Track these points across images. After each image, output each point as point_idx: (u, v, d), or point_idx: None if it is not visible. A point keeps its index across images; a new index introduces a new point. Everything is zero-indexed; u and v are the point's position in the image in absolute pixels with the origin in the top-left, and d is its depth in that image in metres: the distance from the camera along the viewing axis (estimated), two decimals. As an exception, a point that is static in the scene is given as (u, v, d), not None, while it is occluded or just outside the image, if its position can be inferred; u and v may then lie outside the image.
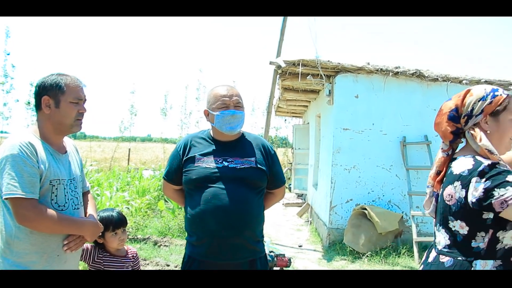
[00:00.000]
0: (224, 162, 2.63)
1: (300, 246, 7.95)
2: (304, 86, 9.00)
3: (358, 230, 7.12)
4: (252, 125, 25.42)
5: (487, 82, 7.54)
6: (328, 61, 7.43)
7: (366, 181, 7.64)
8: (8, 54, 13.67)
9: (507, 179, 1.84)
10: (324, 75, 7.59)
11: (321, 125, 9.73)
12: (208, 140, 2.75)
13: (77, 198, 2.43)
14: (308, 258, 7.10)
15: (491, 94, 2.04)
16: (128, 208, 8.34)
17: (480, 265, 1.95)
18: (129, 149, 16.76)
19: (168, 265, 6.02)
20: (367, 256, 6.86)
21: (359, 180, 7.62)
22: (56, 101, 2.31)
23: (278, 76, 8.21)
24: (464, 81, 7.51)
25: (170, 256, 6.52)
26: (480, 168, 1.91)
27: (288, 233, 9.21)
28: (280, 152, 23.77)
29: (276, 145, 24.49)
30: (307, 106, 12.36)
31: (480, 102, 2.04)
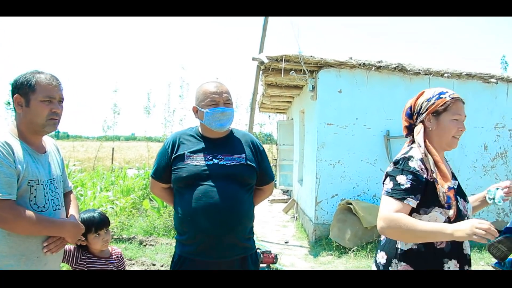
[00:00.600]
0: (214, 159, 2.61)
1: (286, 242, 7.94)
2: (287, 82, 8.98)
3: (344, 225, 7.13)
4: (236, 122, 25.38)
5: (468, 75, 7.62)
6: (311, 56, 7.41)
7: (351, 176, 7.64)
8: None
9: (397, 176, 2.20)
10: (307, 70, 7.57)
11: (305, 120, 9.73)
12: (197, 137, 2.72)
13: (57, 198, 2.36)
14: (294, 254, 7.09)
15: (436, 96, 2.31)
16: (112, 208, 8.24)
17: (404, 243, 2.19)
18: (113, 148, 16.58)
19: (154, 265, 5.97)
20: (353, 250, 6.87)
21: (344, 175, 7.63)
22: (27, 100, 2.24)
23: (261, 72, 8.17)
24: (446, 74, 7.56)
25: (156, 255, 6.46)
26: (397, 158, 2.27)
27: (274, 230, 9.19)
28: (265, 149, 23.72)
29: (261, 141, 24.46)
30: (290, 102, 12.36)
31: (426, 102, 2.32)
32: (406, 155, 2.25)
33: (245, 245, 2.66)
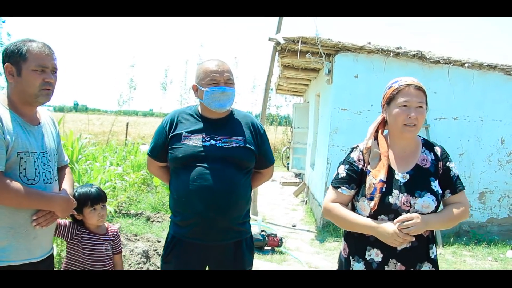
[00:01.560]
0: (211, 140, 2.55)
1: (294, 226, 7.92)
2: (303, 64, 8.86)
3: (352, 212, 7.06)
4: (253, 103, 25.28)
5: (490, 66, 7.39)
6: (328, 39, 7.26)
7: (363, 163, 7.50)
8: (4, 22, 13.35)
9: (340, 165, 2.41)
10: (324, 53, 7.42)
11: (320, 104, 9.61)
12: (195, 117, 2.65)
13: (49, 172, 2.32)
14: (301, 239, 7.07)
15: (389, 85, 2.32)
16: (122, 183, 8.28)
17: None
18: (127, 123, 16.56)
19: (159, 241, 5.98)
20: (360, 238, 6.81)
21: (355, 161, 7.50)
22: (18, 69, 2.18)
23: (277, 53, 8.07)
24: (466, 64, 7.35)
25: (162, 232, 6.47)
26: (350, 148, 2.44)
27: (283, 213, 9.18)
28: (280, 130, 23.74)
29: (277, 123, 24.41)
30: (307, 84, 12.22)
31: (383, 93, 2.36)
32: (355, 145, 2.42)
33: (240, 229, 2.62)
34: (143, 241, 5.95)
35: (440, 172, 2.31)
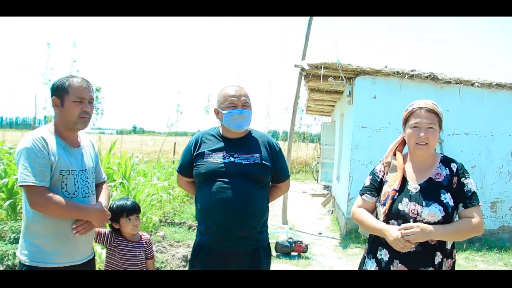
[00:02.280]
0: (231, 157, 2.58)
1: (320, 233, 7.82)
2: (327, 87, 8.83)
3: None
4: (287, 123, 25.29)
5: (498, 85, 7.15)
6: (348, 64, 7.23)
7: (382, 175, 7.38)
8: (74, 61, 13.88)
9: (368, 176, 2.49)
10: (345, 77, 7.39)
11: (343, 123, 9.55)
12: (217, 137, 2.70)
13: (87, 187, 2.43)
14: (326, 245, 6.96)
15: (406, 108, 2.36)
16: (167, 195, 8.41)
17: None
18: (175, 142, 16.80)
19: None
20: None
21: (375, 174, 7.40)
22: (62, 101, 2.33)
23: (303, 78, 8.10)
24: (476, 84, 7.15)
25: (201, 239, 6.51)
26: None
27: (311, 221, 9.08)
28: (311, 147, 23.64)
29: (308, 140, 24.36)
30: (333, 105, 12.17)
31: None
32: (381, 159, 2.48)
33: (257, 238, 2.62)
34: (184, 247, 6.02)
35: (454, 186, 2.25)
